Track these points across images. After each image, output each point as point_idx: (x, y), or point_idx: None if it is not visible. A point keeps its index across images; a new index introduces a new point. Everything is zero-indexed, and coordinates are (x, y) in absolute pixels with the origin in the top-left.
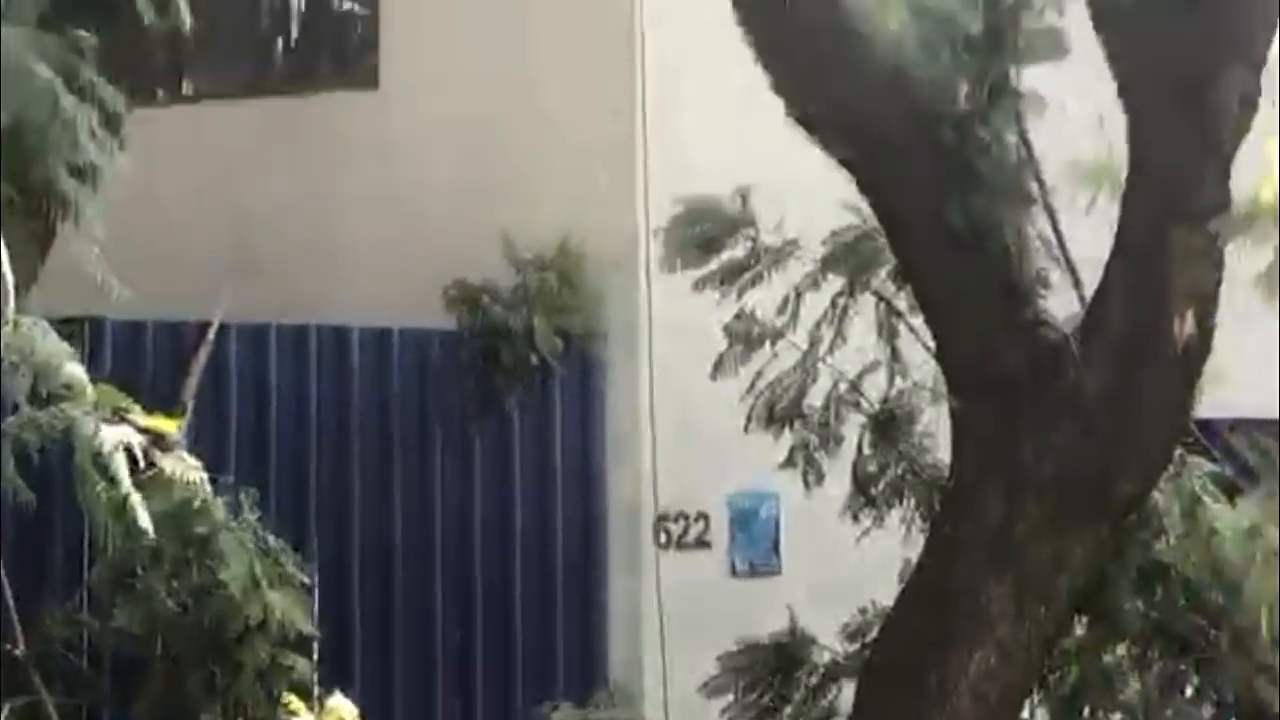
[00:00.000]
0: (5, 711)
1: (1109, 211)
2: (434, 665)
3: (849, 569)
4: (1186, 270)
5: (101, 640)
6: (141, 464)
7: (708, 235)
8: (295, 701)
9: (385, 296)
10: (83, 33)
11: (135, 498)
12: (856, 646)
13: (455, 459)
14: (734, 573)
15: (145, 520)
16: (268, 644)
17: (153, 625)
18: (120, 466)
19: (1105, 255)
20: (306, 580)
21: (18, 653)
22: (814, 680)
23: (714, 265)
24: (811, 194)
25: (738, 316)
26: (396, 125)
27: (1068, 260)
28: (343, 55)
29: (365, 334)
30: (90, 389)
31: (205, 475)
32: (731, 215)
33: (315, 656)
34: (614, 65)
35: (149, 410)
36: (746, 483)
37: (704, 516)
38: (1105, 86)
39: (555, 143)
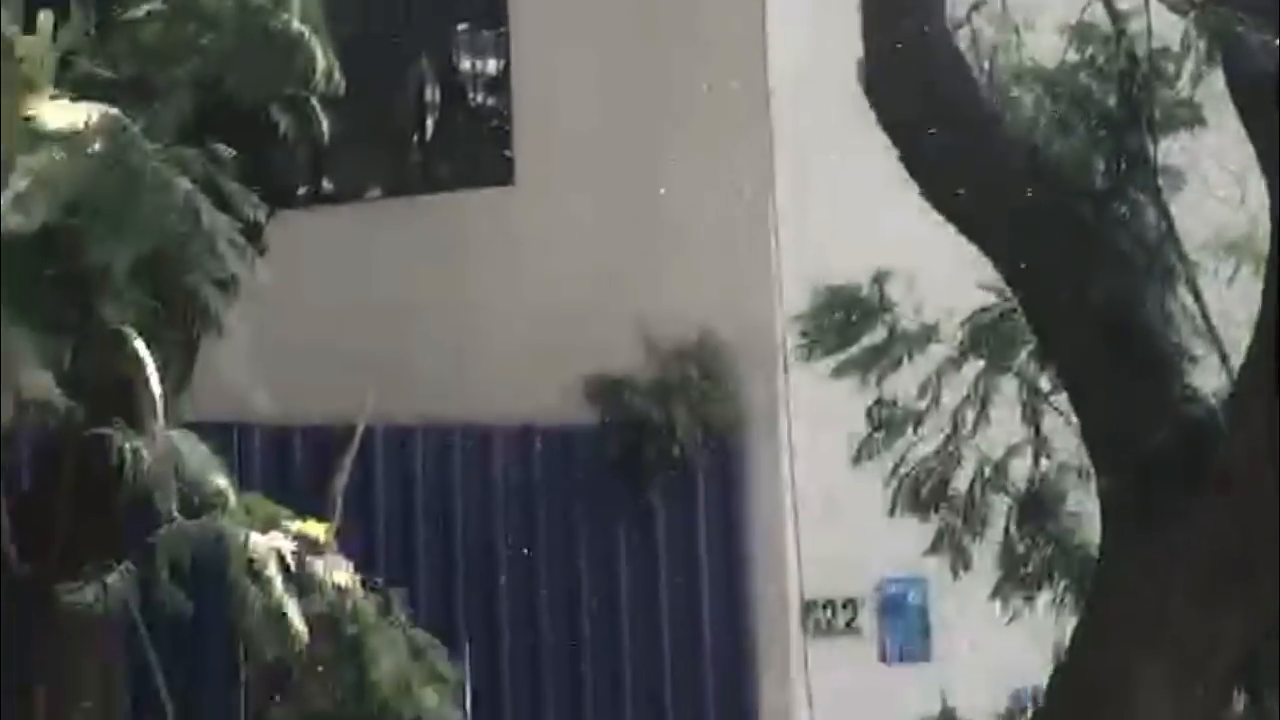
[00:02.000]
0: None
1: (1253, 283)
2: None
3: (1000, 652)
4: None
5: None
6: (293, 569)
7: (845, 322)
8: None
9: (524, 393)
10: (221, 145)
11: (290, 604)
12: None
13: (600, 553)
14: (884, 658)
15: (300, 625)
16: None
17: None
18: (273, 574)
19: (1250, 327)
20: (457, 678)
21: None
22: None
23: (853, 351)
24: (949, 276)
25: (878, 402)
26: (532, 219)
27: (1213, 333)
28: (477, 151)
29: (507, 432)
30: (235, 498)
31: (355, 577)
32: (869, 301)
33: None
34: (747, 154)
35: (299, 515)
36: (892, 568)
37: (851, 603)
38: (1247, 153)
39: (690, 233)
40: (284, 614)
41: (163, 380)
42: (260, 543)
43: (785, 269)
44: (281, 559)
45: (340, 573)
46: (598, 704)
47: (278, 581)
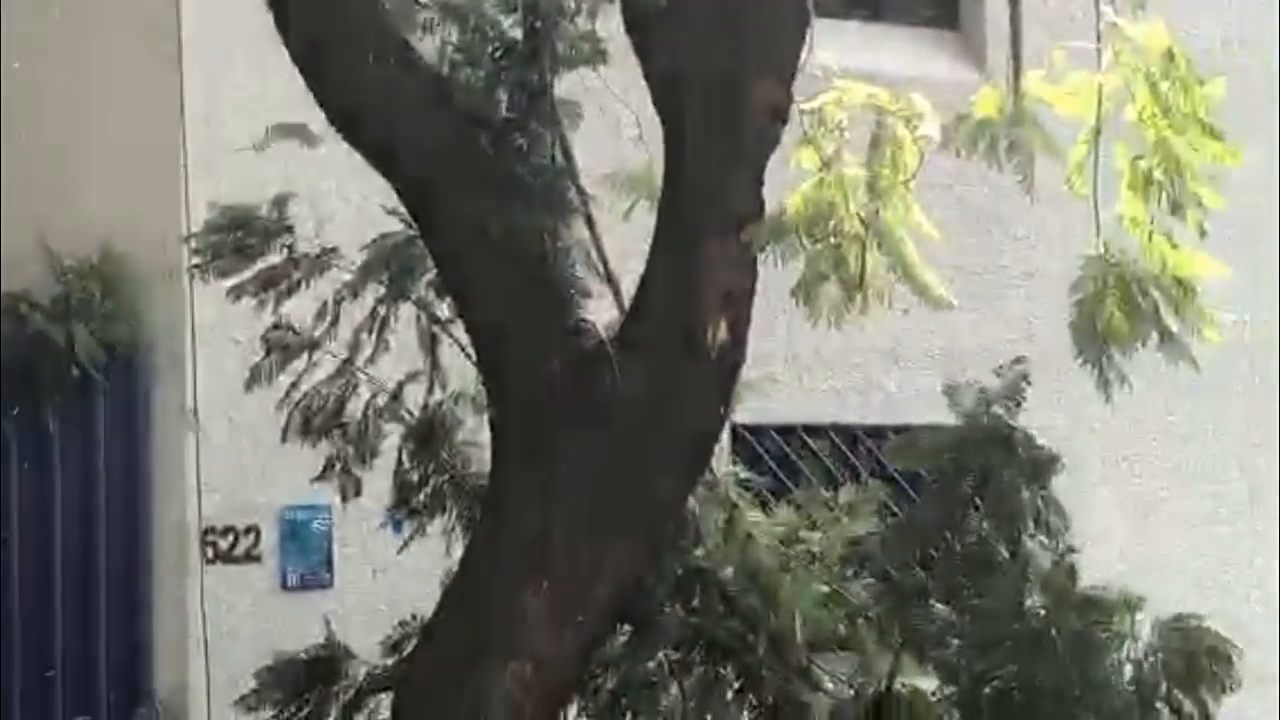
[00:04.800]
0: None
1: (647, 220)
2: None
3: (400, 581)
4: (719, 277)
5: None
6: None
7: (242, 243)
8: None
9: None
10: None
11: None
12: (395, 659)
13: None
14: (285, 586)
15: None
16: None
17: None
18: None
19: (643, 263)
20: None
21: None
22: (350, 694)
23: (250, 273)
24: (357, 201)
25: (274, 326)
26: None
27: (606, 268)
28: None
29: None
30: None
31: None
32: (266, 222)
33: None
34: (157, 70)
35: None
36: (300, 495)
37: (254, 529)
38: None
39: (97, 148)
40: None
41: None
42: None
43: (196, 189)
44: None
45: None
46: None
47: None
